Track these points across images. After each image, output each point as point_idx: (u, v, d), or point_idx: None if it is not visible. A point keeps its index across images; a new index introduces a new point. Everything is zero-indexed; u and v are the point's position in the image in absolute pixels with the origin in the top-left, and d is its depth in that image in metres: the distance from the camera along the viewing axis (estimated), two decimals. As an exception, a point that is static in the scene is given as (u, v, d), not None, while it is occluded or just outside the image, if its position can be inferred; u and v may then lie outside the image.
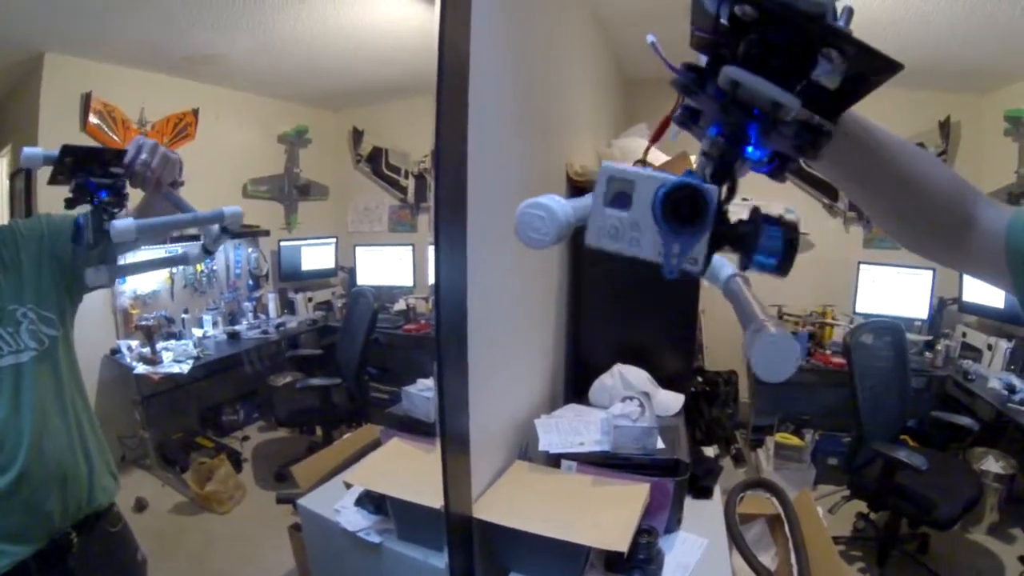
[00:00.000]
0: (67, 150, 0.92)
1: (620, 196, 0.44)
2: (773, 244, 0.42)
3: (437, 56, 1.04)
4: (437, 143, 1.06)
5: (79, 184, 0.94)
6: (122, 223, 0.89)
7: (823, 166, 0.60)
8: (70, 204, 0.94)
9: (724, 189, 0.44)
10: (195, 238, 1.11)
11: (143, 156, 0.97)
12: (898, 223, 0.67)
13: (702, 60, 0.51)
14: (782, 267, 0.43)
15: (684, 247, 0.43)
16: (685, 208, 0.42)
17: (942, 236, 0.65)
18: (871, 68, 0.39)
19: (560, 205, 0.45)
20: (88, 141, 1.77)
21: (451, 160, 1.13)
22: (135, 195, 1.07)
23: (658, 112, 0.60)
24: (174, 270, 2.15)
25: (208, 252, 1.10)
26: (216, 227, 1.06)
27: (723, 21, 0.42)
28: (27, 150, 0.90)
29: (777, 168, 0.48)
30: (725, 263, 0.50)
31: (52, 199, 0.99)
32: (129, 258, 1.14)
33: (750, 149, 0.44)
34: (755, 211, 0.43)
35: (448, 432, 1.19)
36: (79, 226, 0.94)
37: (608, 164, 0.44)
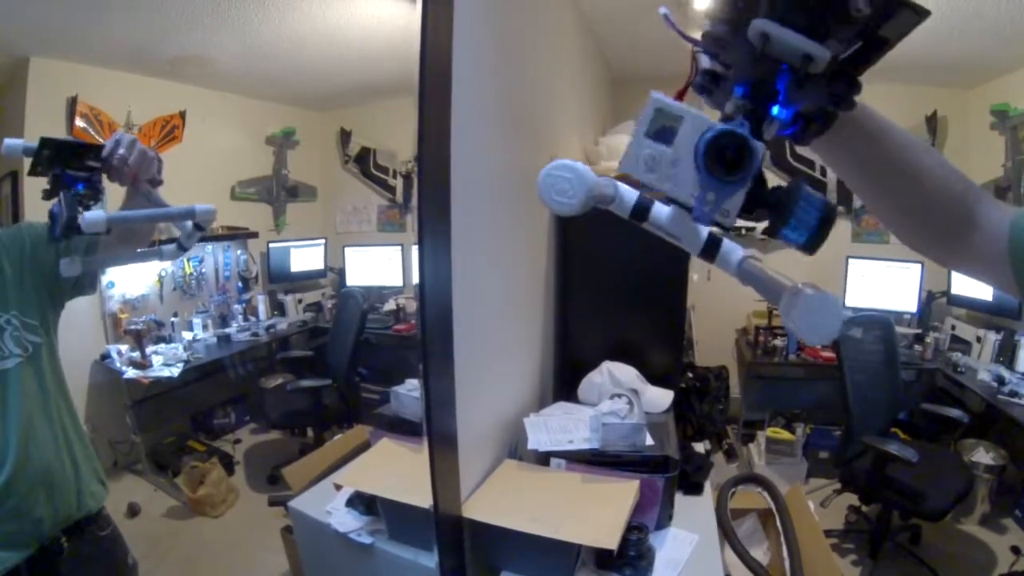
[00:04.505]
0: (45, 142, 0.92)
1: (664, 131, 0.42)
2: (808, 217, 0.41)
3: (419, 56, 1.05)
4: (420, 143, 1.07)
5: (56, 176, 0.94)
6: (93, 214, 0.89)
7: (828, 151, 0.59)
8: (47, 196, 0.95)
9: None
10: (173, 241, 1.11)
11: (120, 151, 0.97)
12: (901, 217, 0.66)
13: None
14: (810, 244, 0.41)
15: (720, 196, 0.42)
16: (730, 156, 0.40)
17: (944, 234, 0.65)
18: (894, 16, 0.38)
19: (587, 168, 0.44)
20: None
21: (434, 160, 1.14)
22: (118, 195, 1.07)
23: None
24: (162, 273, 2.14)
25: (183, 248, 1.10)
26: (190, 224, 1.06)
27: None
28: (7, 141, 0.91)
29: (800, 131, 0.47)
30: (735, 247, 0.48)
31: (40, 206, 0.99)
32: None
33: (776, 109, 0.43)
34: (796, 179, 0.42)
35: (435, 432, 1.19)
36: (53, 215, 0.94)
37: (658, 95, 0.43)
